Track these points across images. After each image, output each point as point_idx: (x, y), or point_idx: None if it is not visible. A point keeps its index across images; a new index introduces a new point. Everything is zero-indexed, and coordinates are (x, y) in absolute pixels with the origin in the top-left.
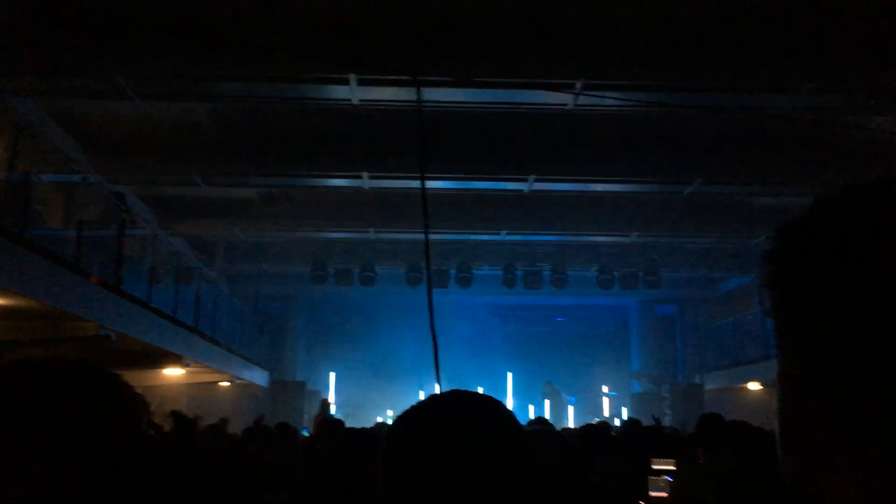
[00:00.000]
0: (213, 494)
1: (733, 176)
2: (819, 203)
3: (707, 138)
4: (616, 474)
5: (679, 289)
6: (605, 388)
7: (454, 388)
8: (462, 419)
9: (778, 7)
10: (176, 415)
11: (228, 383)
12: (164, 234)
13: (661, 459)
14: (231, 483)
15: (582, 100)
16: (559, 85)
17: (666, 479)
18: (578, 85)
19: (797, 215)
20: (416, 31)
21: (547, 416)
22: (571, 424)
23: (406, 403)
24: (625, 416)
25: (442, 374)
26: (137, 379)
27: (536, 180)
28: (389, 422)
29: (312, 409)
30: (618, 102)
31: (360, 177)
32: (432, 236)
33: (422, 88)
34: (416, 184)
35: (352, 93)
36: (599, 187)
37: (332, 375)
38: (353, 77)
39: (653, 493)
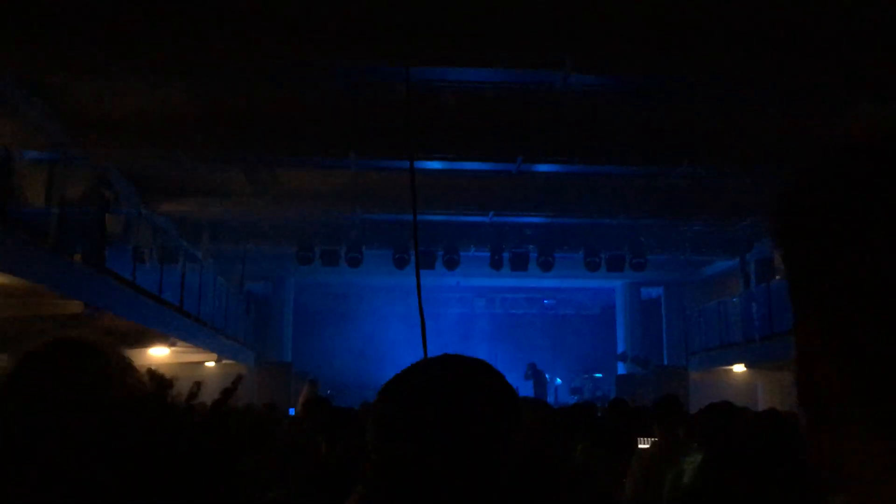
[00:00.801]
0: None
1: (720, 160)
2: (835, 153)
3: (694, 122)
4: (599, 454)
5: (665, 271)
6: (590, 371)
7: None
8: (452, 384)
9: None
10: (152, 373)
11: (213, 363)
12: (149, 213)
13: (649, 439)
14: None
15: (571, 80)
16: (548, 63)
17: None
18: (567, 64)
19: (811, 167)
20: (405, 9)
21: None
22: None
23: None
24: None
25: (429, 356)
26: None
27: (524, 162)
28: None
29: (299, 390)
30: (606, 82)
31: (347, 156)
32: (419, 218)
33: (409, 69)
34: (404, 164)
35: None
36: (587, 169)
37: (319, 356)
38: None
39: None
